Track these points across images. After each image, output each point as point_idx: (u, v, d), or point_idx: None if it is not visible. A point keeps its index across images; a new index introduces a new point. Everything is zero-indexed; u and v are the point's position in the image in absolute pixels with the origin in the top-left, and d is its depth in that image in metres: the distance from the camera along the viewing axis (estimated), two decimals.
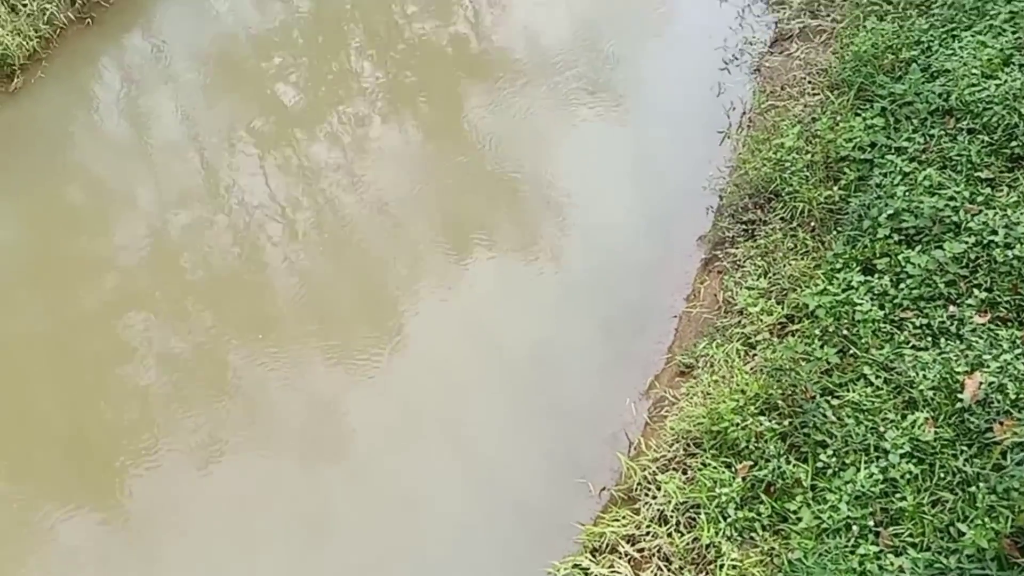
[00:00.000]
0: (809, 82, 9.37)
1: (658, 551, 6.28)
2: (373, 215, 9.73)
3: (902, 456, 5.92)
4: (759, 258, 7.90)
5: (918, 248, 7.01)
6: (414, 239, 9.42)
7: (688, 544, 6.18)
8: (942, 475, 5.77)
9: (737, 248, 8.15)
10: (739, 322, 7.48)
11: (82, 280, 9.45)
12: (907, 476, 5.83)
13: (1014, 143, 7.42)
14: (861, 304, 6.85)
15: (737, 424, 6.52)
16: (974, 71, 7.95)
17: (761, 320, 7.33)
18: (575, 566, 6.44)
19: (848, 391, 6.39)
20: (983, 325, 6.38)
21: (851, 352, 6.65)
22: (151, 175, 10.39)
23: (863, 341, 6.64)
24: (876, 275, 7.02)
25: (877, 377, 6.40)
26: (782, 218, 8.12)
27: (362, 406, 8.10)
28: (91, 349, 8.86)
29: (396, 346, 8.57)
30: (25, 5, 11.25)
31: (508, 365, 8.19)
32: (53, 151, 10.54)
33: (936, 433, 5.93)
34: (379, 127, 10.74)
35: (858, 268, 7.16)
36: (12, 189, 10.22)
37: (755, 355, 7.12)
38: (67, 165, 10.51)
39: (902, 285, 6.82)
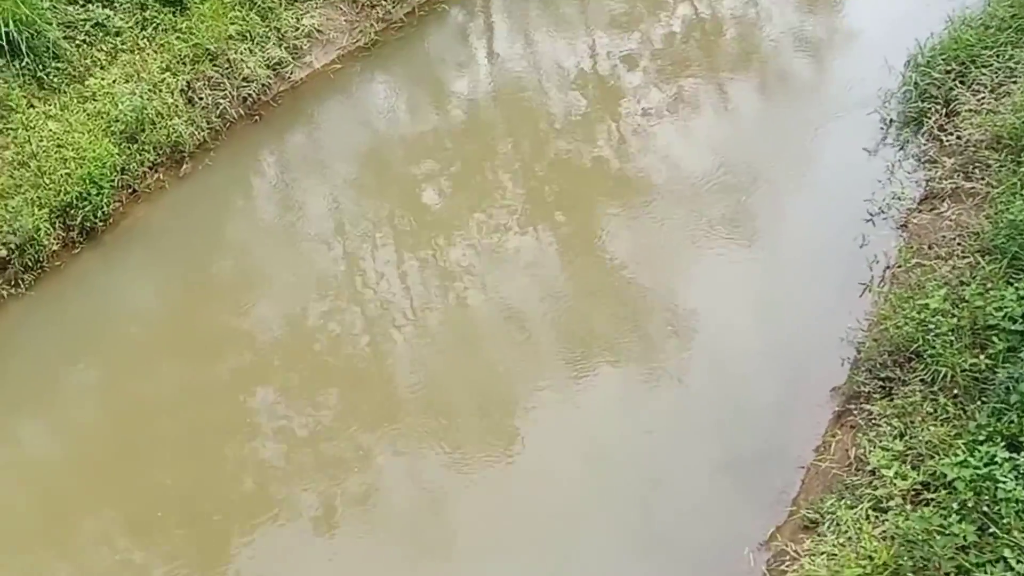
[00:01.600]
0: (959, 244, 9.19)
1: None
2: (501, 321, 9.90)
3: None
4: (896, 418, 7.69)
5: None
6: (538, 349, 9.52)
7: None
8: None
9: (873, 405, 7.95)
10: (870, 483, 7.26)
11: (218, 353, 9.81)
12: None
13: None
14: (1005, 482, 6.57)
15: None
16: None
17: (894, 484, 7.08)
18: None
19: (985, 573, 6.08)
20: None
21: (990, 531, 6.35)
22: (296, 261, 10.80)
23: (1004, 521, 6.34)
24: (1022, 452, 6.73)
25: (1019, 562, 6.08)
26: (922, 380, 7.90)
27: (470, 507, 8.17)
28: (218, 419, 9.14)
29: (510, 453, 8.63)
30: (202, 99, 11.99)
31: (620, 490, 8.12)
32: (210, 231, 11.13)
33: None
34: (515, 237, 10.94)
35: (1003, 443, 6.90)
36: (168, 262, 10.77)
37: (885, 520, 6.86)
38: (221, 245, 11.07)
39: None
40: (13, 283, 10.10)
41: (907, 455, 7.31)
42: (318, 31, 13.25)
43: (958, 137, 10.46)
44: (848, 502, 7.17)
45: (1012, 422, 7.00)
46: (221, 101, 12.09)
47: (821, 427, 8.22)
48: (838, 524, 7.02)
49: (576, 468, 8.34)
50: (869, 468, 7.38)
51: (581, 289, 10.19)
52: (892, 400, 7.91)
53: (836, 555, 6.71)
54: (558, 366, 9.31)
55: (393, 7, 13.89)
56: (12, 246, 10.07)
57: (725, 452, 8.27)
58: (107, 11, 12.08)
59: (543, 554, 7.70)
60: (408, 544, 7.96)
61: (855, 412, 8.06)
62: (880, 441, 7.52)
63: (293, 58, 12.88)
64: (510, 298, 10.09)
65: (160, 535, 8.20)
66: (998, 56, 11.02)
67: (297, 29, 13.09)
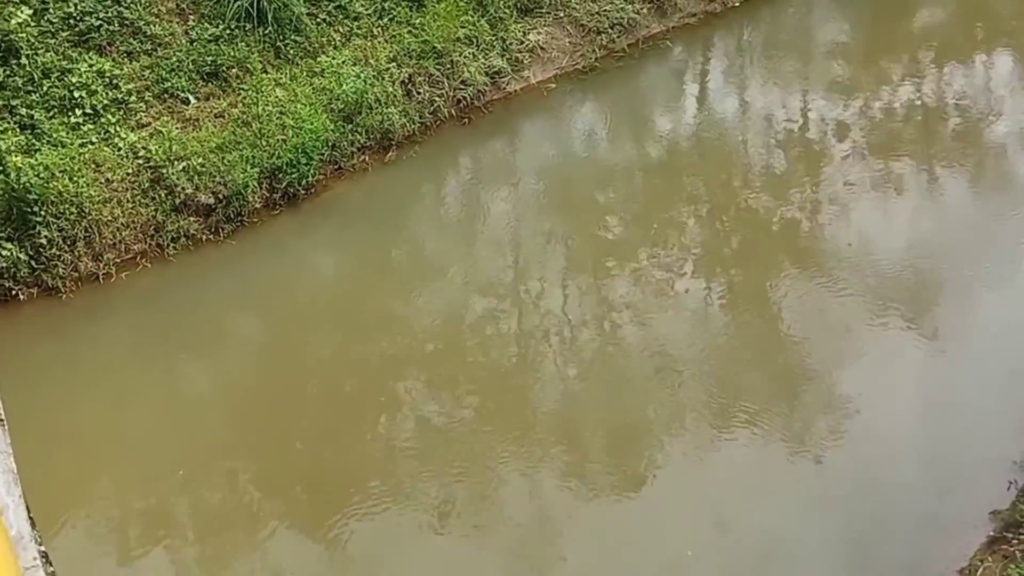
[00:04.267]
0: None
1: None
2: (651, 361, 9.86)
3: None
4: None
5: None
6: (682, 397, 9.45)
7: None
8: None
9: None
10: None
11: (377, 333, 10.23)
12: None
13: None
14: None
15: None
16: None
17: None
18: None
19: None
20: None
21: None
22: (467, 260, 11.17)
23: None
24: None
25: None
26: None
27: (579, 537, 8.18)
28: (361, 395, 9.58)
29: (628, 494, 8.62)
30: (419, 93, 12.54)
31: (730, 561, 7.91)
32: (399, 218, 11.61)
33: None
34: (685, 281, 10.89)
35: None
36: (355, 239, 11.36)
37: None
38: (405, 232, 11.52)
39: None
40: (213, 230, 10.89)
41: None
42: (541, 48, 13.59)
43: None
44: None
45: None
46: (436, 99, 12.61)
47: (971, 549, 7.83)
48: None
49: (689, 528, 8.24)
50: None
51: (740, 346, 10.03)
52: None
53: None
54: (698, 420, 9.22)
55: (618, 36, 14.07)
56: (220, 196, 10.88)
57: (855, 552, 7.97)
58: None
59: None
60: (510, 556, 8.09)
61: (1012, 541, 7.64)
62: None
63: (512, 70, 13.27)
64: (666, 340, 10.05)
65: (281, 492, 8.64)
66: None
67: (522, 43, 13.48)
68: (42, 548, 6.07)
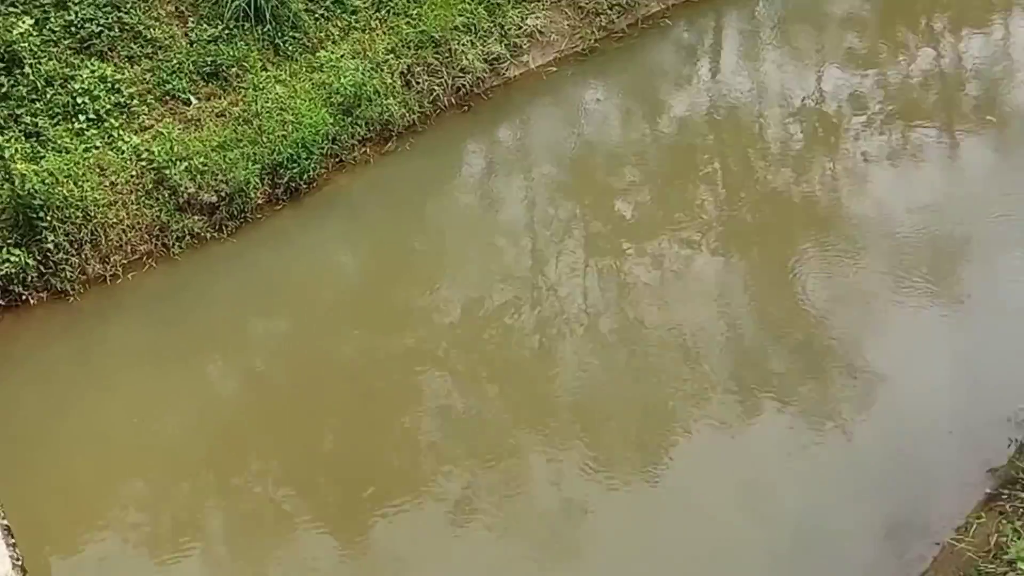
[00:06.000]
0: None
1: None
2: (672, 341, 9.82)
3: None
4: None
5: None
6: (706, 376, 9.42)
7: None
8: None
9: None
10: (1005, 574, 6.72)
11: (394, 326, 10.23)
12: None
13: None
14: None
15: None
16: None
17: None
18: None
19: None
20: None
21: None
22: (481, 251, 11.16)
23: None
24: None
25: None
26: None
27: (606, 519, 8.18)
28: (382, 388, 9.59)
29: (656, 473, 8.59)
30: (418, 83, 12.56)
31: (755, 528, 7.98)
32: (405, 209, 11.64)
33: None
34: (704, 259, 10.84)
35: None
36: (361, 231, 11.41)
37: None
38: (413, 223, 11.54)
39: None
40: (217, 228, 10.99)
41: None
42: (540, 32, 13.57)
43: None
44: None
45: None
46: (436, 88, 12.63)
47: (967, 506, 7.79)
48: None
49: (719, 502, 8.22)
50: (1007, 558, 6.87)
51: (762, 321, 9.99)
52: None
53: None
54: (723, 396, 9.18)
55: (617, 17, 14.04)
56: (223, 194, 10.98)
57: (869, 513, 7.96)
58: None
59: None
60: (537, 543, 8.07)
61: (1007, 497, 7.59)
62: None
63: (511, 55, 13.27)
64: (686, 319, 9.99)
65: (307, 487, 8.68)
66: None
67: (520, 28, 13.47)
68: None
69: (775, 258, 10.78)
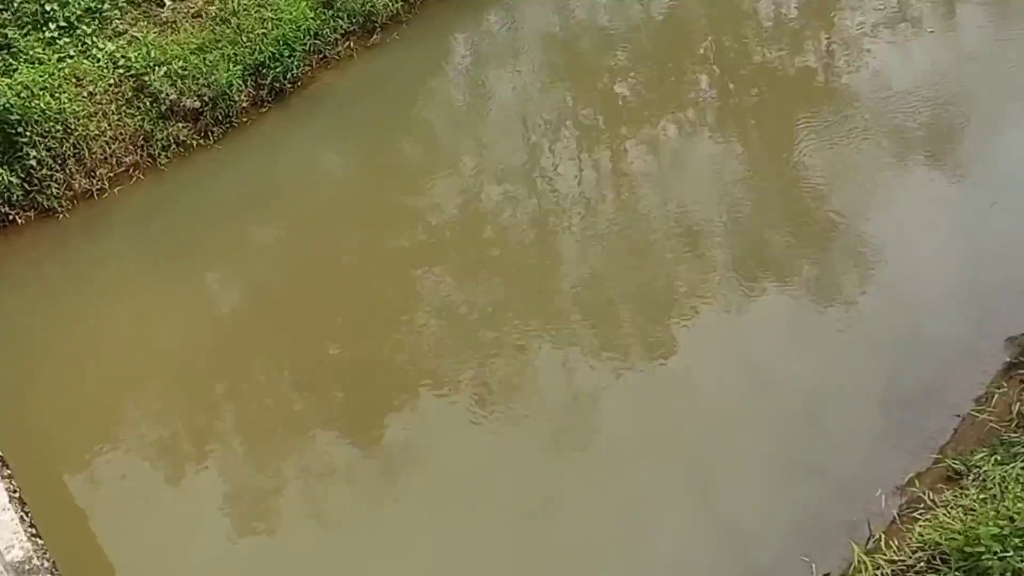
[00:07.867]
0: None
1: None
2: (673, 226, 9.60)
3: None
4: None
5: None
6: (708, 259, 9.21)
7: None
8: None
9: None
10: None
11: (391, 225, 9.98)
12: None
13: None
14: None
15: (995, 553, 5.79)
16: None
17: None
18: None
19: None
20: None
21: None
22: (476, 144, 10.85)
23: None
24: None
25: None
26: None
27: (615, 408, 8.05)
28: (383, 289, 9.39)
29: (662, 360, 8.43)
30: None
31: (768, 411, 7.80)
32: (393, 104, 11.27)
33: None
34: (702, 141, 10.56)
35: None
36: (350, 130, 11.03)
37: None
38: (402, 119, 11.20)
39: None
40: (203, 134, 10.65)
41: None
42: None
43: None
44: (1000, 458, 6.63)
45: None
46: None
47: (988, 377, 7.61)
48: (983, 480, 6.52)
49: (727, 385, 8.06)
50: None
51: (763, 199, 9.74)
52: None
53: (975, 510, 6.23)
54: (726, 278, 8.97)
55: None
56: (206, 98, 10.59)
57: (882, 387, 7.80)
58: None
59: (684, 463, 7.53)
60: (548, 429, 7.97)
61: None
62: None
63: None
64: (686, 203, 9.74)
65: (317, 389, 8.54)
66: None
67: None
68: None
69: (773, 133, 10.51)
